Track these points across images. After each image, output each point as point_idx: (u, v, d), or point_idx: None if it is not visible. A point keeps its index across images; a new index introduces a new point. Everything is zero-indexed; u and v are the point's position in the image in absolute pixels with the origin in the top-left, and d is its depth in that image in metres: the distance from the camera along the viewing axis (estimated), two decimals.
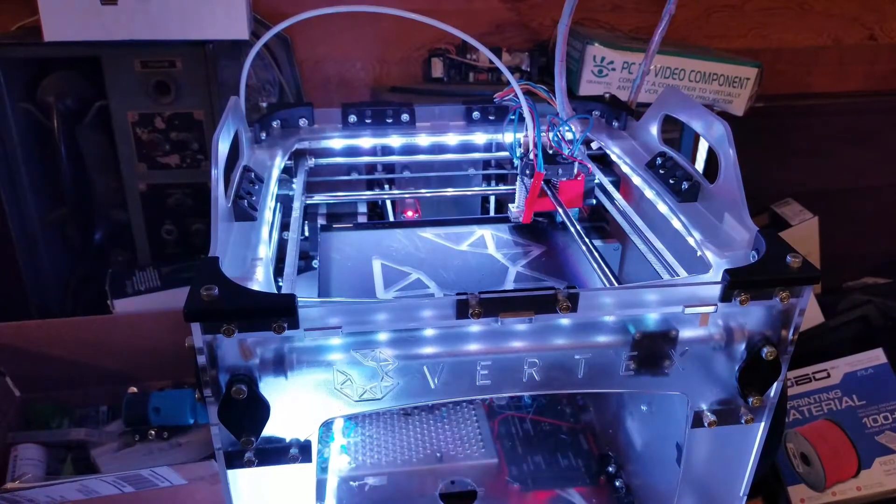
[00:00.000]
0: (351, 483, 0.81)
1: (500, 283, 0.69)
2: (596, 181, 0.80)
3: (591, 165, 0.80)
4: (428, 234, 0.78)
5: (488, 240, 0.77)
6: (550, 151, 0.77)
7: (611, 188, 0.79)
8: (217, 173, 0.58)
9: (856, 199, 1.65)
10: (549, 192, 0.76)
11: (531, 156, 0.74)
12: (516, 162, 0.78)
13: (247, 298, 0.50)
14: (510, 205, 0.81)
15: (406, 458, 0.84)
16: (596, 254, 0.67)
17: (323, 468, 0.83)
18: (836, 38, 1.54)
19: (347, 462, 0.84)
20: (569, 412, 0.93)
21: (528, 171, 0.75)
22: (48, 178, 1.20)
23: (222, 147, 0.60)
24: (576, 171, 0.76)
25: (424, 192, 0.87)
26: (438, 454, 0.85)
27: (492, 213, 0.93)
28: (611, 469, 0.83)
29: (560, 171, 0.75)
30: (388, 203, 0.88)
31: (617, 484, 0.81)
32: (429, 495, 0.80)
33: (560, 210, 0.75)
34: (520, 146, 0.77)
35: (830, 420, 1.12)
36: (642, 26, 1.42)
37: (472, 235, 0.78)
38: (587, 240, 0.70)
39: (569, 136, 0.78)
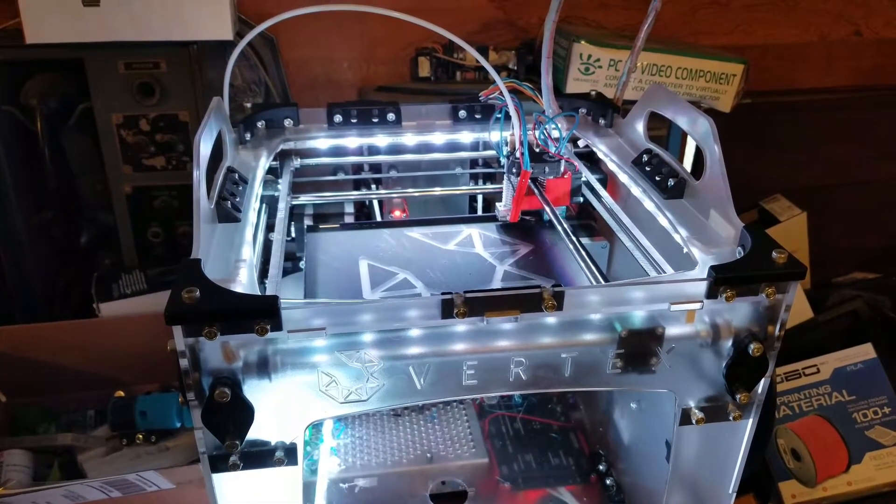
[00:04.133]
0: (341, 485, 0.81)
1: (487, 281, 0.69)
2: (583, 179, 0.80)
3: (577, 163, 0.80)
4: (415, 233, 0.78)
5: (476, 239, 0.77)
6: (537, 150, 0.77)
7: (598, 186, 0.79)
8: (199, 174, 0.57)
9: (844, 195, 1.65)
10: (536, 191, 0.76)
11: (518, 154, 0.74)
12: (503, 160, 0.78)
13: (228, 300, 0.50)
14: (497, 203, 0.80)
15: (396, 459, 0.84)
16: (583, 252, 0.67)
17: (312, 470, 0.82)
18: (821, 34, 1.54)
19: (337, 464, 0.83)
20: (559, 411, 0.93)
21: (514, 170, 0.75)
22: (33, 181, 1.19)
23: (204, 148, 0.60)
24: (562, 169, 0.76)
25: (411, 192, 0.86)
26: (429, 454, 0.84)
27: (479, 212, 0.93)
28: (601, 467, 0.82)
29: (547, 169, 0.75)
30: (375, 203, 0.88)
31: (607, 482, 0.81)
32: (419, 496, 0.79)
33: (547, 208, 0.75)
34: (506, 145, 0.77)
35: (820, 415, 1.13)
36: (629, 24, 1.42)
37: (460, 234, 0.77)
38: (574, 238, 0.70)
39: (555, 133, 0.78)
